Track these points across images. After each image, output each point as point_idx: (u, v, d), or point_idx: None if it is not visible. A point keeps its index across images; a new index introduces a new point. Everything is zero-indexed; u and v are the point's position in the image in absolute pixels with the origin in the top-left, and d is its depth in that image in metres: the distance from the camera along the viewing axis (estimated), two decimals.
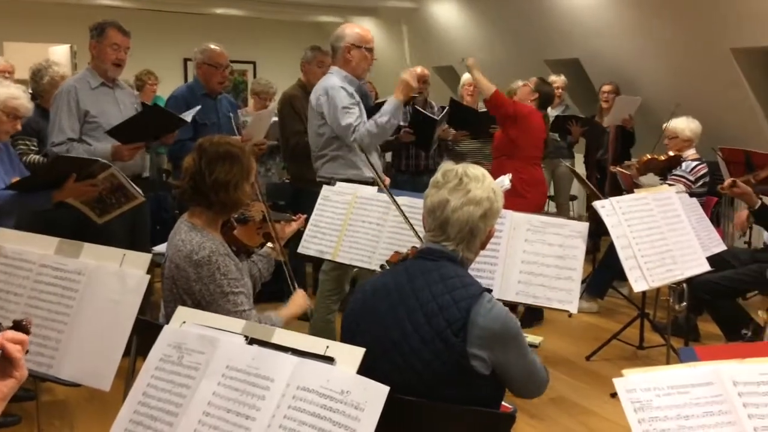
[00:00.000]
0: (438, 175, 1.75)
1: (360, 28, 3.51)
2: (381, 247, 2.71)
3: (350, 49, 3.36)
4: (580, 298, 4.69)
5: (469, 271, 1.75)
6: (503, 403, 2.19)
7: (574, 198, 6.79)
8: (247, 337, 1.51)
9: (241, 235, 2.37)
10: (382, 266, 1.92)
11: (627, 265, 2.39)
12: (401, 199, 2.55)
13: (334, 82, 3.33)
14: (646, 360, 3.95)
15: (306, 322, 3.01)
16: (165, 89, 5.57)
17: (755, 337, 3.05)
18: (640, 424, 1.26)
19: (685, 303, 2.79)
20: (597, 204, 2.46)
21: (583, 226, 2.39)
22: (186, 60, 9.27)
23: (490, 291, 1.68)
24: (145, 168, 3.85)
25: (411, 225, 2.44)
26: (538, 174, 4.54)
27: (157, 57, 7.50)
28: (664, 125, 4.67)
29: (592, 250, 5.12)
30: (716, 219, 5.05)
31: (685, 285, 2.88)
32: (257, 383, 1.42)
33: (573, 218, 5.83)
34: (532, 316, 4.46)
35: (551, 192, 6.09)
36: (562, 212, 6.21)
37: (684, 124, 4.43)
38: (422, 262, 1.71)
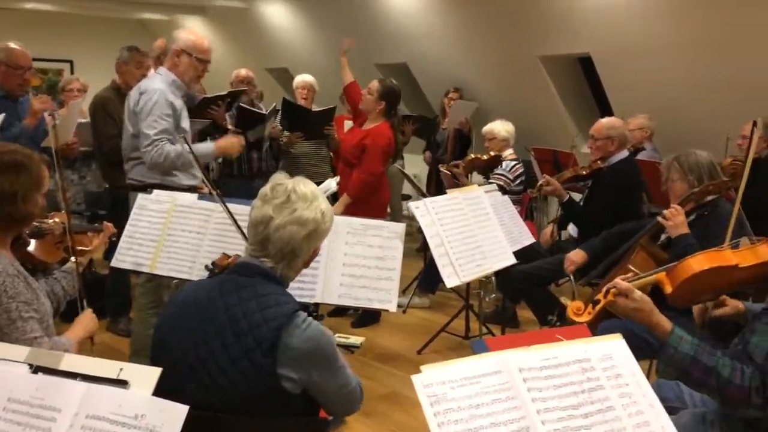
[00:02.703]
0: (267, 188, 1.69)
1: (196, 36, 3.37)
2: (202, 257, 2.62)
3: (179, 54, 3.22)
4: (413, 294, 4.98)
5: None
6: None
7: (407, 198, 7.03)
8: (31, 366, 1.38)
9: (38, 251, 2.17)
10: (207, 267, 1.85)
11: (440, 262, 2.51)
12: (231, 206, 2.48)
13: (157, 85, 3.17)
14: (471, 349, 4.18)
15: None
16: None
17: (561, 321, 3.33)
18: (436, 417, 1.32)
19: (493, 295, 2.98)
20: (411, 205, 2.55)
21: (401, 227, 2.47)
22: None
23: (306, 308, 1.66)
24: None
25: (243, 233, 2.37)
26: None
27: None
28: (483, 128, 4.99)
29: (423, 248, 5.33)
30: (531, 213, 5.47)
31: (493, 278, 3.07)
32: (42, 415, 1.30)
33: (407, 218, 6.03)
34: (370, 315, 4.55)
35: None
36: (395, 212, 6.41)
37: (500, 126, 4.77)
38: (237, 277, 1.65)
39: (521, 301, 4.44)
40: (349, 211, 3.99)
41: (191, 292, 1.71)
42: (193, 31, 3.42)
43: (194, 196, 2.81)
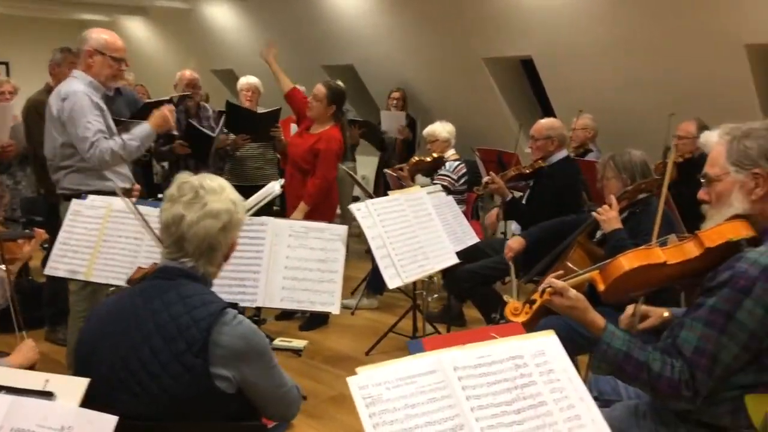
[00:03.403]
0: (172, 189, 1.67)
1: (109, 34, 3.28)
2: (140, 263, 2.56)
3: (92, 54, 3.14)
4: (362, 295, 4.99)
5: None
6: None
7: (357, 200, 7.04)
8: None
9: None
10: (126, 283, 1.81)
11: (382, 263, 2.52)
12: (145, 209, 2.43)
13: (76, 87, 3.08)
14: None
15: None
16: None
17: (503, 319, 3.39)
18: (371, 418, 1.32)
19: (436, 295, 3.00)
20: (353, 207, 2.56)
21: (343, 229, 2.47)
22: None
23: (235, 306, 1.65)
24: None
25: (156, 236, 2.33)
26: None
27: None
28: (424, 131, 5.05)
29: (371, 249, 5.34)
30: (476, 213, 5.54)
31: (436, 278, 3.10)
32: None
33: (356, 219, 6.03)
34: (317, 318, 4.53)
35: None
36: (345, 215, 6.41)
37: (440, 128, 4.82)
38: (160, 282, 1.63)
39: (467, 300, 4.50)
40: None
41: (113, 303, 1.68)
42: (104, 30, 3.34)
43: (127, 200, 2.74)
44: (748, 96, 4.73)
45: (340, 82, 6.36)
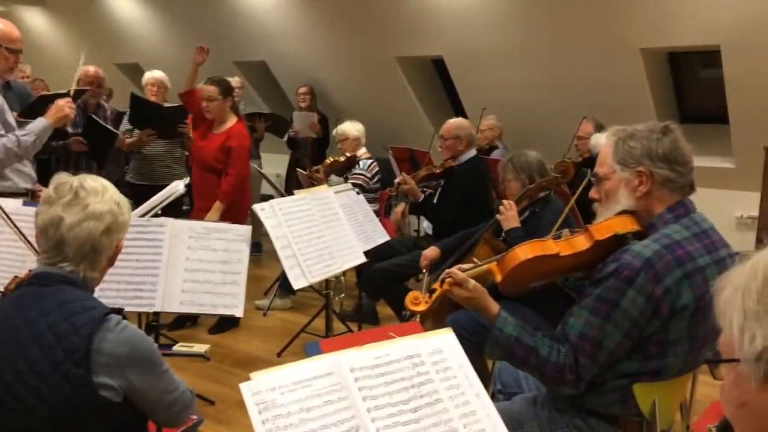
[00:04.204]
0: (50, 190, 1.58)
1: (5, 24, 3.09)
2: (30, 268, 2.41)
3: None
4: (275, 295, 4.91)
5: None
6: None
7: (269, 198, 6.92)
8: None
9: None
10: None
11: (287, 263, 2.48)
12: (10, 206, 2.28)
13: None
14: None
15: None
16: None
17: (412, 316, 3.43)
18: (264, 424, 1.30)
19: (342, 294, 3.00)
20: (256, 207, 2.51)
21: (246, 229, 2.41)
22: None
23: (120, 311, 1.57)
24: None
25: (28, 241, 2.20)
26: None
27: None
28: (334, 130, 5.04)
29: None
30: (389, 211, 5.57)
31: (342, 277, 3.10)
32: None
33: None
34: (227, 320, 4.42)
35: None
36: (254, 214, 6.29)
37: (350, 127, 4.82)
38: (36, 288, 1.53)
39: (380, 298, 4.52)
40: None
41: None
42: (0, 19, 3.15)
43: (19, 201, 2.58)
44: (644, 98, 4.99)
45: (237, 78, 6.24)
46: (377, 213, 4.95)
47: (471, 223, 3.61)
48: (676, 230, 1.74)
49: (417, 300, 1.95)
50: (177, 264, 2.31)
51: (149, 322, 2.53)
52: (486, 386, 2.45)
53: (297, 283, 2.56)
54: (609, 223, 1.83)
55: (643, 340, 1.72)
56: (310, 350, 1.45)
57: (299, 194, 2.80)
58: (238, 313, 2.32)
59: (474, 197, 4.05)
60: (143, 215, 2.83)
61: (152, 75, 5.13)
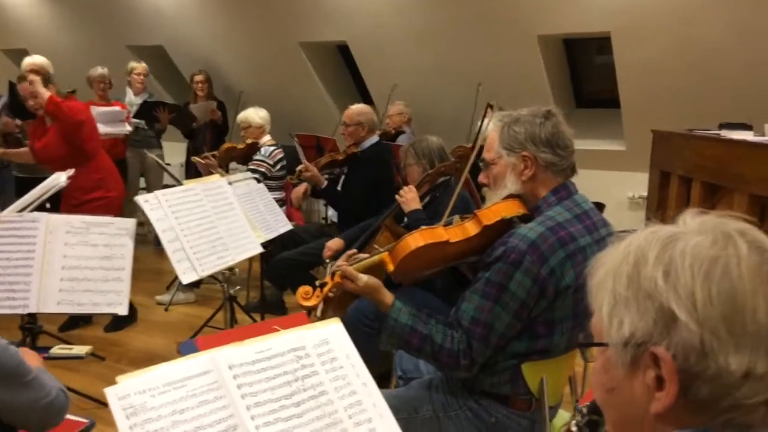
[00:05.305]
0: None
1: None
2: None
3: None
4: (176, 290, 4.73)
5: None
6: (76, 418, 1.98)
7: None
8: None
9: None
10: None
11: (175, 257, 2.37)
12: None
13: None
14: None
15: None
16: None
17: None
18: (132, 429, 1.22)
19: (238, 287, 2.92)
20: (139, 199, 2.37)
21: (130, 223, 2.28)
22: None
23: None
24: None
25: None
26: (110, 164, 4.21)
27: None
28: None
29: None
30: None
31: (237, 269, 3.01)
32: None
33: None
34: (125, 316, 4.22)
35: (143, 184, 5.87)
36: None
37: (254, 114, 4.68)
38: None
39: (287, 288, 4.44)
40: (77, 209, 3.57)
41: None
42: None
43: None
44: (542, 84, 5.12)
45: (143, 63, 5.93)
46: (283, 201, 4.86)
47: (376, 209, 3.59)
48: (559, 212, 1.77)
49: (307, 295, 1.91)
50: (53, 262, 2.15)
51: (23, 325, 2.35)
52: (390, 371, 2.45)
53: (186, 277, 2.45)
54: (496, 207, 1.85)
55: (532, 320, 1.75)
56: (185, 350, 1.38)
57: (187, 184, 2.67)
58: (122, 311, 2.19)
59: (378, 183, 4.03)
60: (22, 210, 2.63)
61: (32, 60, 4.76)
